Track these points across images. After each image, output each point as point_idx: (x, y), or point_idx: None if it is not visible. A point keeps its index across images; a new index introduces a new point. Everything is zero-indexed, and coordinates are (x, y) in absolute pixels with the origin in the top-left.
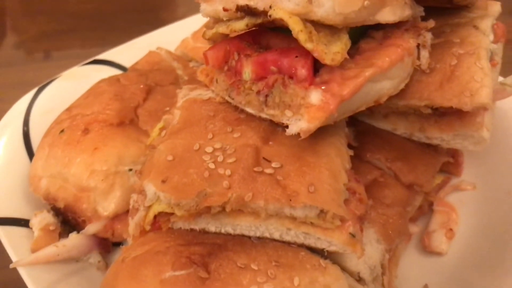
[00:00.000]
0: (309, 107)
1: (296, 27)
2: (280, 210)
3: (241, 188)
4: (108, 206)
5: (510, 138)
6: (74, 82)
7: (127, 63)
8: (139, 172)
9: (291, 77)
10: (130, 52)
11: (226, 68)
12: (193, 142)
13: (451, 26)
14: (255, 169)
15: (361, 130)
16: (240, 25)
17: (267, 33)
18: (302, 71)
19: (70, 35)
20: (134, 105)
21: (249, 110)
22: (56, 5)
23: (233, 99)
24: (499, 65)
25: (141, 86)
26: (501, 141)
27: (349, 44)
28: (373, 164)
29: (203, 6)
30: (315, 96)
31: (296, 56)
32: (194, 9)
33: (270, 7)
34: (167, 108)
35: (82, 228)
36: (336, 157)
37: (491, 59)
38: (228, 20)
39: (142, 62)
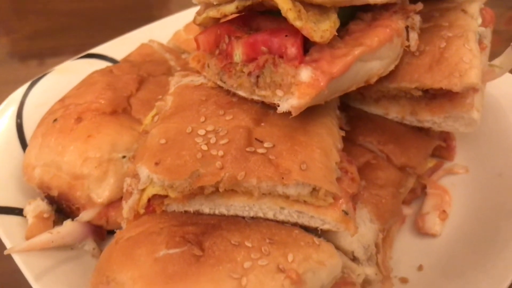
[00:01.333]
0: (300, 85)
1: (285, 6)
2: (273, 188)
3: (233, 168)
4: (102, 193)
5: (500, 122)
6: (67, 76)
7: (119, 57)
8: (132, 157)
9: (281, 57)
10: (122, 46)
11: (217, 52)
12: (185, 125)
13: (440, 11)
14: (248, 149)
15: (353, 115)
16: (230, 8)
17: (257, 17)
18: (292, 49)
19: (63, 34)
20: (126, 95)
21: (240, 93)
22: (48, 4)
23: (224, 82)
24: (488, 49)
25: (134, 76)
26: (492, 125)
27: (337, 23)
28: (365, 147)
29: None
30: (305, 74)
31: (286, 35)
32: (187, 7)
33: None
34: (160, 97)
35: (77, 216)
36: (327, 136)
37: (479, 42)
38: (219, 4)
39: (134, 54)
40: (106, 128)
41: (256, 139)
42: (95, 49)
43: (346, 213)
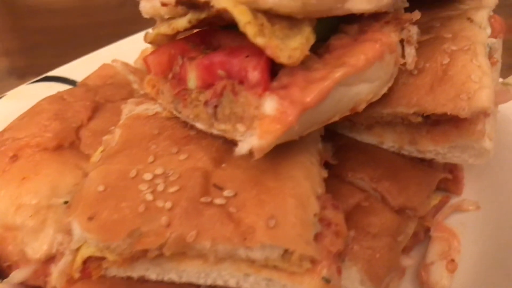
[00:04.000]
0: (263, 119)
1: (243, 18)
2: (232, 251)
3: (182, 225)
4: (39, 247)
5: None
6: (20, 102)
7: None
8: (68, 206)
9: (242, 82)
10: (86, 67)
11: (170, 76)
12: (130, 167)
13: (441, 20)
14: (202, 199)
15: (341, 145)
16: (183, 23)
17: (217, 33)
18: (254, 73)
19: (35, 52)
20: (76, 125)
21: (198, 125)
22: (20, 22)
23: (180, 112)
24: (499, 64)
25: (87, 103)
26: (506, 151)
27: (312, 38)
28: (355, 185)
29: (142, 3)
30: (269, 105)
31: (247, 56)
32: None
33: None
34: (112, 128)
35: (8, 276)
36: (304, 180)
37: (489, 56)
38: (171, 18)
39: (94, 76)
40: (46, 167)
41: (214, 185)
42: (54, 71)
43: (327, 280)
